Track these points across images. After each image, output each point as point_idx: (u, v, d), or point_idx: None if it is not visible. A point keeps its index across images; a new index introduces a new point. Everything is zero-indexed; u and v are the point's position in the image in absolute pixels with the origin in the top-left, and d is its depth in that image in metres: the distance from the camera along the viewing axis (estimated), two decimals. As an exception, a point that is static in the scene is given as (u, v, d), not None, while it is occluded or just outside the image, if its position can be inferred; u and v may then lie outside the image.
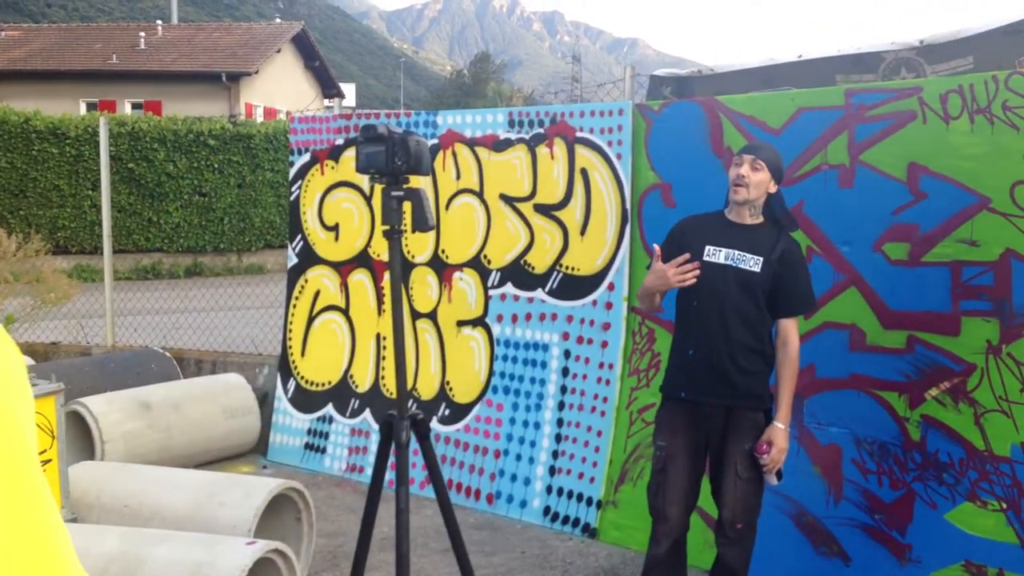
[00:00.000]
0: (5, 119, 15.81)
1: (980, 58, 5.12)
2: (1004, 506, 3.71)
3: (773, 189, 3.67)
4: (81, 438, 5.45)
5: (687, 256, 3.58)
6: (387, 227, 2.78)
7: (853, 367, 4.20)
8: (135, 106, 25.35)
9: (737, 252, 3.62)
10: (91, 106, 24.91)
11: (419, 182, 2.91)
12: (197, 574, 3.28)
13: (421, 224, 2.70)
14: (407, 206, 2.76)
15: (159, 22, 31.23)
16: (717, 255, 3.64)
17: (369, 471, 3.00)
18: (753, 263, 3.59)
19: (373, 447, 5.15)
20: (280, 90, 28.32)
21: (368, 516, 3.01)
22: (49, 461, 4.18)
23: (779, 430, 3.55)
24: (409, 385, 5.76)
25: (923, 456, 3.96)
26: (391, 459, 2.92)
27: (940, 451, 3.91)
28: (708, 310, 3.61)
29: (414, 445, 3.10)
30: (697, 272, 3.56)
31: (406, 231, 2.78)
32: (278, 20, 36.00)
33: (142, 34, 28.34)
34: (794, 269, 3.64)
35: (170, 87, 25.53)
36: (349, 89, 39.78)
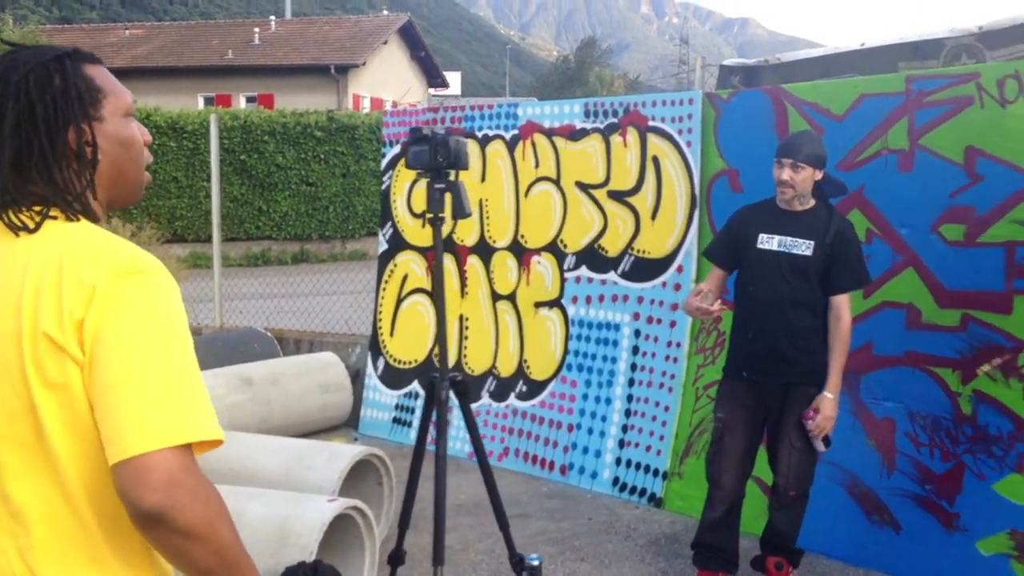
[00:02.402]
0: (128, 115, 16.76)
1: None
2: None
3: (819, 176, 3.84)
4: (191, 409, 5.95)
5: (713, 301, 3.89)
6: (430, 215, 3.12)
7: (909, 345, 4.33)
8: (249, 100, 26.49)
9: (789, 238, 3.83)
10: (208, 100, 26.13)
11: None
12: (284, 525, 3.67)
13: (459, 212, 3.05)
14: (448, 197, 3.11)
15: (272, 17, 32.47)
16: (770, 242, 3.87)
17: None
18: (805, 247, 3.80)
19: (456, 422, 5.48)
20: (386, 81, 29.12)
21: (414, 469, 3.38)
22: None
23: (827, 399, 3.74)
24: (490, 363, 6.10)
25: (973, 429, 4.07)
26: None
27: (990, 425, 4.02)
28: (764, 295, 3.85)
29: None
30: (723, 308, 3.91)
31: (445, 218, 3.13)
32: (385, 12, 36.84)
33: (256, 30, 29.55)
34: (847, 248, 3.82)
35: (282, 80, 26.57)
36: (454, 78, 40.44)
